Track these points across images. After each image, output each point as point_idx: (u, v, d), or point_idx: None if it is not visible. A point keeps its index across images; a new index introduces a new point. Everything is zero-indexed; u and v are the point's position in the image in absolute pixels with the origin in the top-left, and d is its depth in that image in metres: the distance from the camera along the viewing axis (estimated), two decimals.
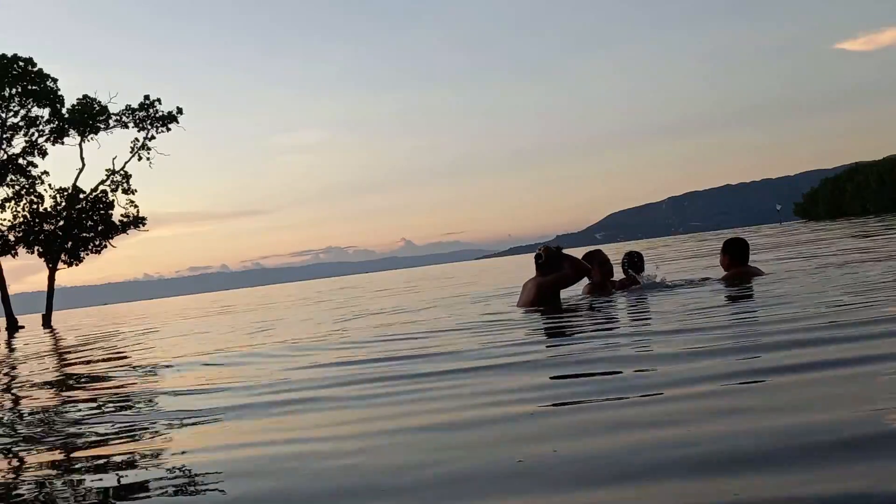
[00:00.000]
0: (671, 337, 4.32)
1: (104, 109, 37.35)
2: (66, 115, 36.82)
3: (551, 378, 3.61)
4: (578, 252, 7.97)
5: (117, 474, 2.60)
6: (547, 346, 4.93)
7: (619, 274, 8.03)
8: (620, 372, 3.51)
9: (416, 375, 4.04)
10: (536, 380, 3.58)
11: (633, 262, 7.91)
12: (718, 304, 5.88)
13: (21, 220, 37.09)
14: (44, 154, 36.97)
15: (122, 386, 5.38)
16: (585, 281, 7.97)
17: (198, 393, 4.46)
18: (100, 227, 38.34)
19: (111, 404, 4.41)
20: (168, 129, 38.34)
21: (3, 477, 2.72)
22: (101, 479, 2.54)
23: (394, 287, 23.97)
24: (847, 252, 10.81)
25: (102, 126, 37.51)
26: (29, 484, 2.61)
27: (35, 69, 36.06)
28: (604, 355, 4.06)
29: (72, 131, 37.06)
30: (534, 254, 7.45)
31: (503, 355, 4.41)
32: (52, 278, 37.26)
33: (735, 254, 7.39)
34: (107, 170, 38.09)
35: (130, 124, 37.98)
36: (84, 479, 2.57)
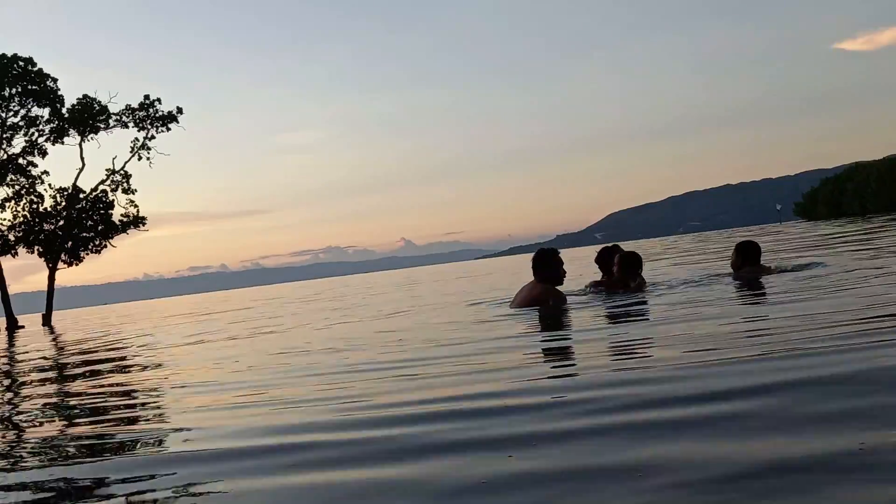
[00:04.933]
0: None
1: (104, 109, 37.36)
2: (66, 115, 36.82)
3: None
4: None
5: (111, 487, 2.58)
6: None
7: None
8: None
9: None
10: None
11: (633, 261, 7.90)
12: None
13: (21, 219, 37.10)
14: (44, 154, 37.01)
15: (121, 386, 5.37)
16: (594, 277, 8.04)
17: (202, 410, 4.45)
18: (100, 227, 38.34)
19: (107, 408, 4.40)
20: (168, 129, 38.38)
21: None
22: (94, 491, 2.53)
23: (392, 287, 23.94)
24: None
25: (102, 126, 37.53)
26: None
27: (35, 69, 36.06)
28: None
29: (72, 131, 37.07)
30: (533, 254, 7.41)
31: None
32: (52, 278, 37.26)
33: (748, 256, 7.74)
34: (107, 169, 38.15)
35: (130, 124, 38.01)
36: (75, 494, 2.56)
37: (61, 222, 37.44)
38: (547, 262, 7.21)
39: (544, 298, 7.03)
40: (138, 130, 38.14)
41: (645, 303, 6.58)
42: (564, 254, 7.59)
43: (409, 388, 3.63)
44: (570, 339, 5.01)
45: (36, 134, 36.59)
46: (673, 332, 4.47)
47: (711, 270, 9.43)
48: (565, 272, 7.26)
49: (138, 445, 3.07)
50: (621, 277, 7.69)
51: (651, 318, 5.54)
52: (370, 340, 6.36)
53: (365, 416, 3.04)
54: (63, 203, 37.47)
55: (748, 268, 7.67)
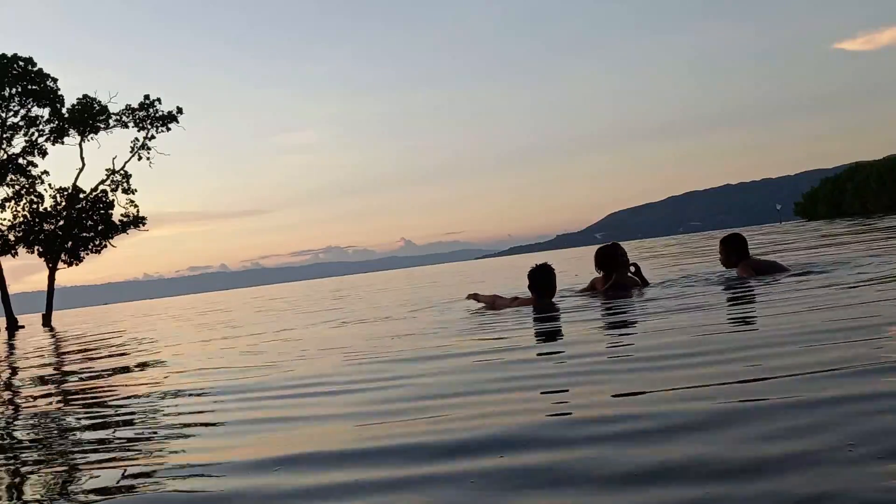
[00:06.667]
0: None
1: (104, 109, 37.35)
2: (66, 115, 36.81)
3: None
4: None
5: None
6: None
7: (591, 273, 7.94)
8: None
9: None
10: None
11: (603, 259, 7.70)
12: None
13: (21, 219, 37.09)
14: (44, 154, 37.01)
15: (122, 389, 5.36)
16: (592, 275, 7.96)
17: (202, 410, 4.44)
18: (100, 227, 38.34)
19: (108, 410, 4.38)
20: (168, 129, 38.39)
21: None
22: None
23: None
24: None
25: (102, 126, 37.53)
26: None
27: (35, 69, 36.05)
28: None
29: (72, 131, 37.08)
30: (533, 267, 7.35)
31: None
32: (52, 278, 37.25)
33: (737, 250, 7.29)
34: (107, 169, 38.15)
35: (130, 124, 38.01)
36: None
37: (61, 222, 37.42)
38: (549, 279, 7.28)
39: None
40: (138, 130, 38.19)
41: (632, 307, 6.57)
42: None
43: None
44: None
45: (36, 134, 36.59)
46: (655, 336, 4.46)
47: (705, 269, 9.37)
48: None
49: (140, 448, 3.05)
50: (603, 277, 7.63)
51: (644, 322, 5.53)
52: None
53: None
54: (63, 203, 37.47)
55: (741, 262, 7.19)
